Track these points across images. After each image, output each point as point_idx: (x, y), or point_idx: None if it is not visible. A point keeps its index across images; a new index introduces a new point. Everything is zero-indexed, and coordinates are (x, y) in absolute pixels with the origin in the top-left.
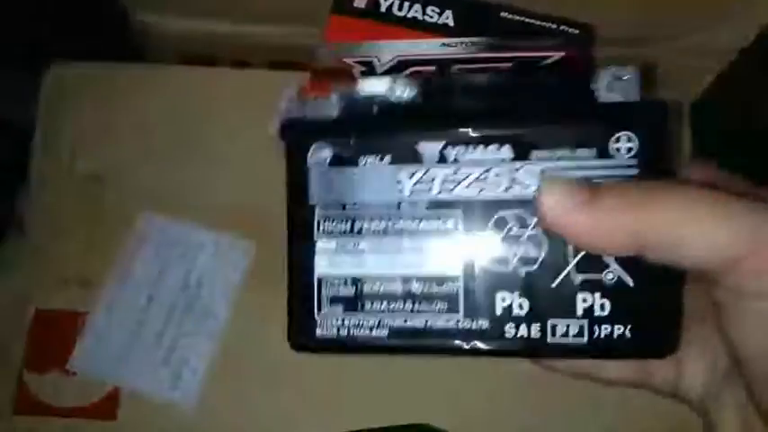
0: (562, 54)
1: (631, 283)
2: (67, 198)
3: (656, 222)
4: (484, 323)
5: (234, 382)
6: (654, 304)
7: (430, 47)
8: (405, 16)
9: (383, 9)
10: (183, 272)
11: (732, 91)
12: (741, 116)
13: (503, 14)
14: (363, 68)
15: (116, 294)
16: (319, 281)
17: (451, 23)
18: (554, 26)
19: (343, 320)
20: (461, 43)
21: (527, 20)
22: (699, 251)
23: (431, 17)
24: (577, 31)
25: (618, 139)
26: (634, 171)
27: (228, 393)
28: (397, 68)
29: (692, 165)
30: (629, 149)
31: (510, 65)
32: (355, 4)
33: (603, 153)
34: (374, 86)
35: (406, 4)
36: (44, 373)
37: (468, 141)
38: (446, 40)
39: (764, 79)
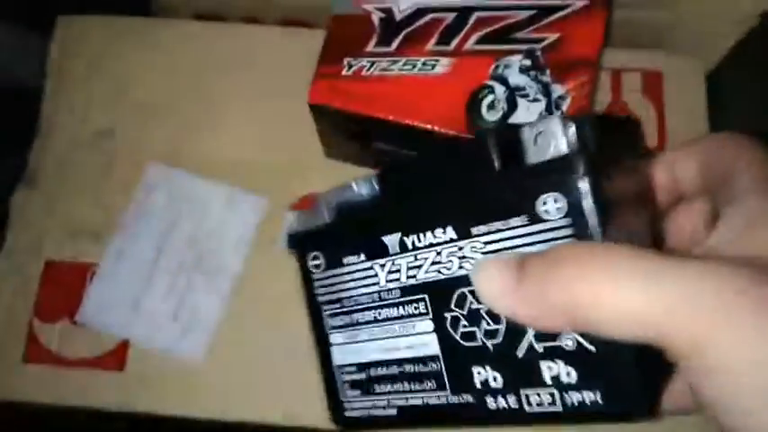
0: (586, 3)
1: (592, 348)
2: (78, 151)
3: (578, 300)
4: (468, 398)
5: (242, 336)
6: (621, 366)
7: None
8: None
9: None
10: (194, 225)
11: (752, 56)
12: (761, 77)
13: None
14: (383, 15)
15: (125, 246)
16: (337, 369)
17: None
18: None
19: (361, 402)
20: None
21: None
22: (621, 325)
23: None
24: None
25: (544, 202)
26: (569, 231)
27: (237, 347)
28: (416, 15)
29: (657, 161)
30: (559, 209)
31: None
32: None
33: (535, 218)
34: (343, 191)
35: None
36: (54, 323)
37: (418, 229)
38: None
39: None
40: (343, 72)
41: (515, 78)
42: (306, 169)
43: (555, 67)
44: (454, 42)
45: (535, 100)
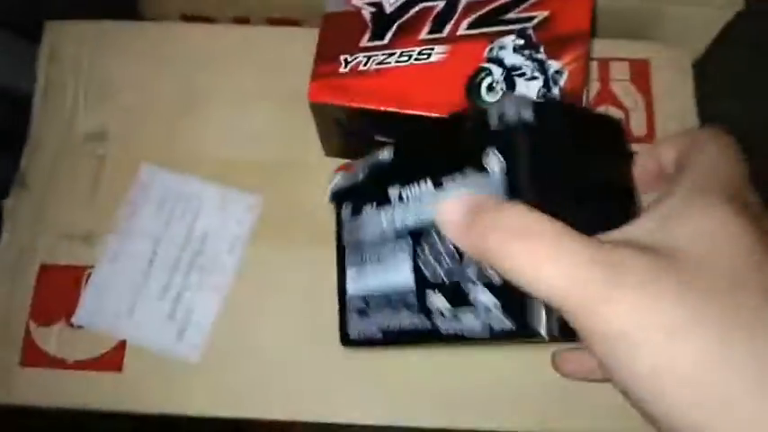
0: None
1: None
2: (69, 154)
3: (493, 251)
4: (428, 322)
5: (238, 335)
6: (529, 300)
7: None
8: None
9: None
10: (188, 225)
11: (739, 40)
12: (748, 63)
13: None
14: (374, 9)
15: (120, 248)
16: (349, 299)
17: None
18: None
19: (359, 326)
20: None
21: None
22: (532, 286)
23: None
24: None
25: (488, 158)
26: (505, 184)
27: (233, 345)
28: (406, 6)
29: (642, 153)
30: (499, 165)
31: None
32: None
33: (483, 171)
34: (374, 156)
35: None
36: (50, 326)
37: (410, 182)
38: None
39: None
40: (341, 69)
41: (511, 59)
42: (301, 167)
43: (548, 44)
44: (446, 29)
45: (532, 78)
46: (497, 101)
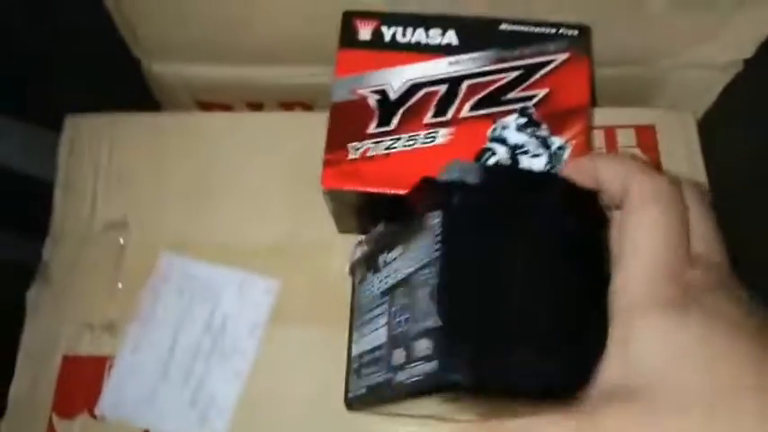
0: (567, 55)
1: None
2: (90, 244)
3: None
4: (394, 375)
5: (261, 420)
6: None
7: (439, 67)
8: (409, 42)
9: (387, 39)
10: (208, 312)
11: (741, 100)
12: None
13: (502, 27)
14: (379, 97)
15: (141, 337)
16: (352, 360)
17: (455, 42)
18: (553, 30)
19: (355, 385)
20: (469, 59)
21: (526, 28)
22: None
23: (434, 39)
24: (576, 32)
25: (428, 219)
26: (439, 244)
27: (255, 429)
28: (410, 92)
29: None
30: (439, 225)
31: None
32: (360, 38)
33: (425, 230)
34: (376, 230)
35: (409, 30)
36: (73, 418)
37: (389, 250)
38: (453, 59)
39: None
40: (350, 156)
41: (514, 137)
42: (318, 249)
43: (550, 121)
44: (450, 112)
45: (536, 155)
46: (445, 166)
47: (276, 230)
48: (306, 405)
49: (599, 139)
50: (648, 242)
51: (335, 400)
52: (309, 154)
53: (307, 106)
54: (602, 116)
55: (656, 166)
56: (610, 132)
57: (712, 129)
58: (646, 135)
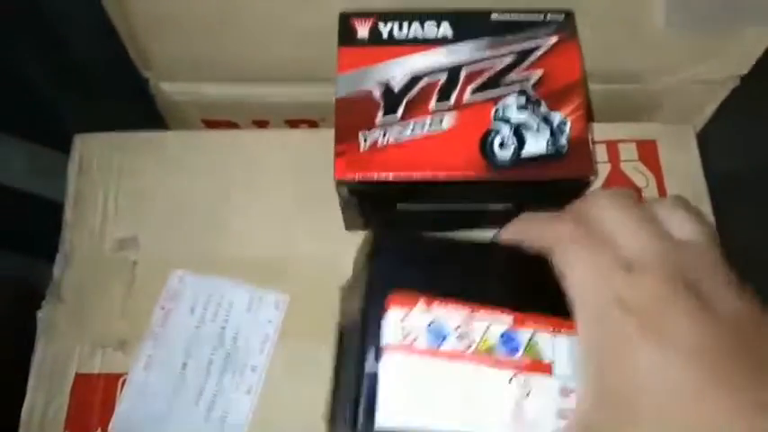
0: (556, 38)
1: None
2: (101, 262)
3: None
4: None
5: (273, 430)
6: None
7: (437, 57)
8: (406, 36)
9: (385, 35)
10: (219, 328)
11: (738, 116)
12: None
13: (493, 16)
14: (383, 89)
15: (153, 354)
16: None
17: (450, 34)
18: (541, 17)
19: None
20: (464, 48)
21: (516, 16)
22: None
23: (430, 32)
24: (562, 17)
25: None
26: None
27: None
28: (412, 82)
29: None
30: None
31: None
32: (359, 36)
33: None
34: None
35: (405, 25)
36: None
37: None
38: (450, 49)
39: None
40: (361, 146)
41: (516, 116)
42: (326, 263)
43: (548, 98)
44: (452, 98)
45: (539, 131)
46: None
47: (285, 245)
48: (317, 420)
49: (601, 153)
50: (580, 289)
51: None
52: (316, 169)
53: (312, 123)
54: (603, 131)
55: (658, 179)
56: (612, 147)
57: (711, 142)
58: (647, 149)
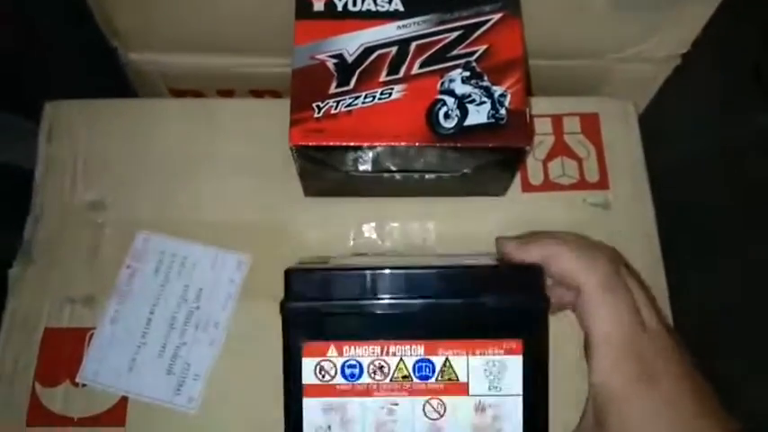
0: (501, 15)
1: None
2: (70, 224)
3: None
4: None
5: (233, 385)
6: None
7: (388, 31)
8: (360, 10)
9: (339, 8)
10: (183, 286)
11: (681, 93)
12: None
13: None
14: (336, 60)
15: (119, 309)
16: None
17: (401, 8)
18: None
19: None
20: (414, 23)
21: None
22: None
23: (382, 6)
24: None
25: None
26: None
27: (230, 396)
28: (364, 54)
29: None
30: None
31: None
32: (315, 9)
33: None
34: None
35: (359, 0)
36: (55, 387)
37: None
38: (401, 23)
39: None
40: (315, 114)
41: (460, 89)
42: (287, 227)
43: (491, 72)
44: (402, 71)
45: (481, 102)
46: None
47: (247, 209)
48: (276, 372)
49: (547, 126)
50: (610, 328)
51: None
52: (278, 137)
53: (276, 94)
54: (549, 105)
55: (599, 151)
56: (557, 119)
57: (654, 117)
58: (589, 122)
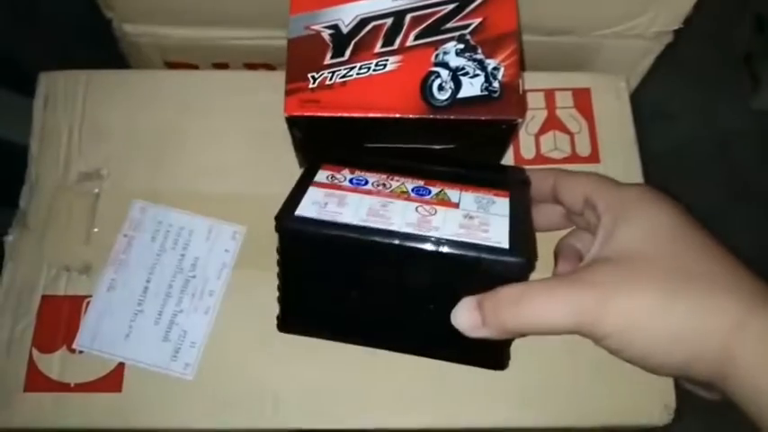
0: None
1: None
2: (66, 193)
3: (511, 326)
4: None
5: (228, 352)
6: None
7: (383, 3)
8: None
9: None
10: (178, 255)
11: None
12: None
13: None
14: (332, 31)
15: (116, 277)
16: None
17: None
18: None
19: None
20: None
21: None
22: (554, 328)
23: None
24: None
25: None
26: None
27: (224, 363)
28: (359, 26)
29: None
30: None
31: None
32: None
33: None
34: None
35: None
36: (52, 353)
37: None
38: None
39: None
40: (310, 85)
41: (454, 61)
42: (281, 198)
43: (484, 45)
44: (397, 42)
45: (475, 75)
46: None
47: (242, 180)
48: (270, 340)
49: (539, 100)
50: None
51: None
52: (273, 108)
53: (270, 68)
54: (541, 80)
55: (591, 125)
56: (549, 94)
57: (645, 94)
58: (581, 97)
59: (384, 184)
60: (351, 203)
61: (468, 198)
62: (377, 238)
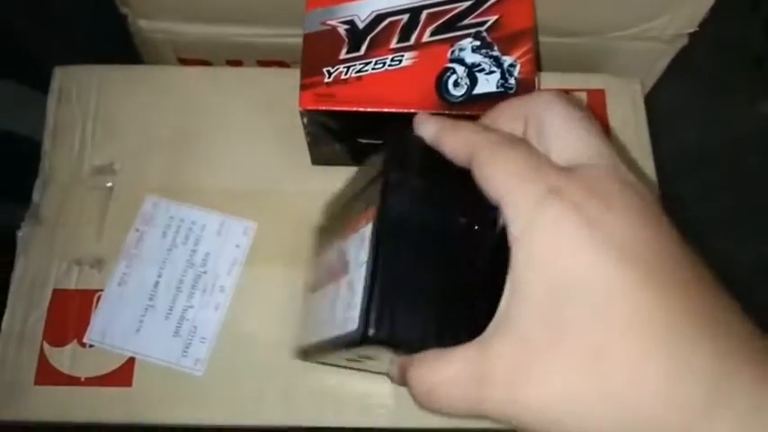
0: None
1: None
2: (79, 187)
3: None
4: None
5: (239, 348)
6: None
7: None
8: None
9: None
10: (190, 251)
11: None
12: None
13: None
14: (348, 26)
15: (127, 272)
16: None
17: None
18: None
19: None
20: None
21: None
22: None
23: None
24: None
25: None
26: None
27: (234, 359)
28: (375, 21)
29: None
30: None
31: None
32: None
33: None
34: None
35: None
36: (63, 347)
37: None
38: None
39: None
40: (325, 80)
41: (470, 58)
42: (293, 195)
43: (501, 43)
44: (413, 38)
45: (491, 72)
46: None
47: (254, 176)
48: (280, 336)
49: None
50: (507, 187)
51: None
52: (285, 105)
53: (284, 65)
54: (556, 80)
55: (605, 127)
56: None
57: (660, 96)
58: (596, 98)
59: None
60: None
61: (351, 247)
62: None
